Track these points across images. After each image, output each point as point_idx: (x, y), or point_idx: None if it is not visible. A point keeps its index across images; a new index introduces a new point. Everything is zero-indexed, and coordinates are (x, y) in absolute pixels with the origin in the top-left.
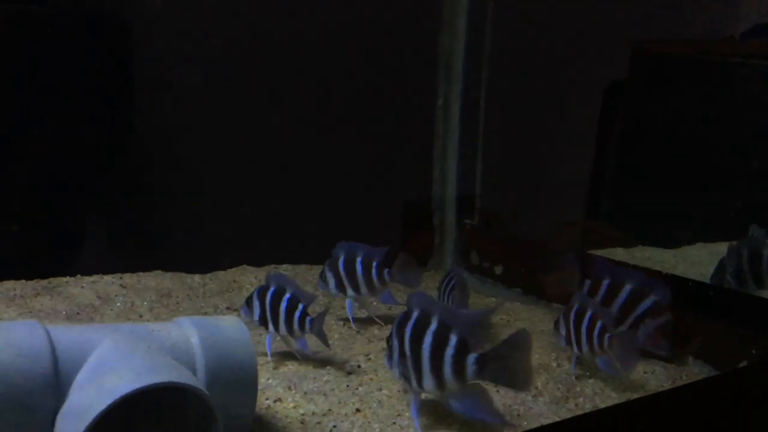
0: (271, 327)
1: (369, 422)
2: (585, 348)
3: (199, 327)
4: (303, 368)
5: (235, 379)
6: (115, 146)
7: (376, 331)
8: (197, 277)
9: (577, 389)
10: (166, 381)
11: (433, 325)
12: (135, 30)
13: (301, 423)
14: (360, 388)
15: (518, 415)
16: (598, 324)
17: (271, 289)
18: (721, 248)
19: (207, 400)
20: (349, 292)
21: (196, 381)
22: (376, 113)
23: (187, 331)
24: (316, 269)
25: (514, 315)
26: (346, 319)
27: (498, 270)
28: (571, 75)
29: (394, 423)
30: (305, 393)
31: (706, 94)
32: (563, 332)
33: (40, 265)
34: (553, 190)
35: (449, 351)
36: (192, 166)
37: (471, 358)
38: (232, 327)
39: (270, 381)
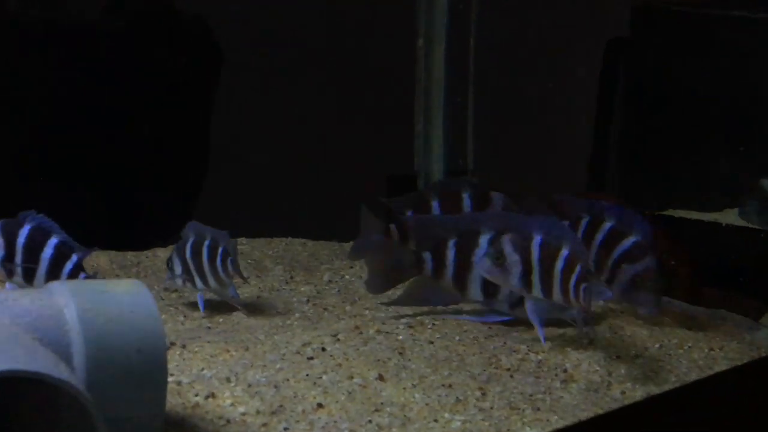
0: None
1: (335, 421)
2: None
3: (79, 294)
4: (250, 354)
5: (132, 368)
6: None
7: (348, 307)
8: (130, 255)
9: (622, 371)
10: (6, 369)
11: None
12: None
13: (240, 424)
14: (324, 377)
15: (538, 410)
16: None
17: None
18: None
19: (80, 397)
20: (198, 284)
21: (64, 369)
22: (343, 56)
23: (60, 300)
24: (276, 242)
25: None
26: (311, 297)
27: None
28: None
29: (370, 422)
30: (249, 385)
31: (717, 49)
32: None
33: None
34: (553, 153)
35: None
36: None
37: None
38: (127, 294)
39: (204, 371)
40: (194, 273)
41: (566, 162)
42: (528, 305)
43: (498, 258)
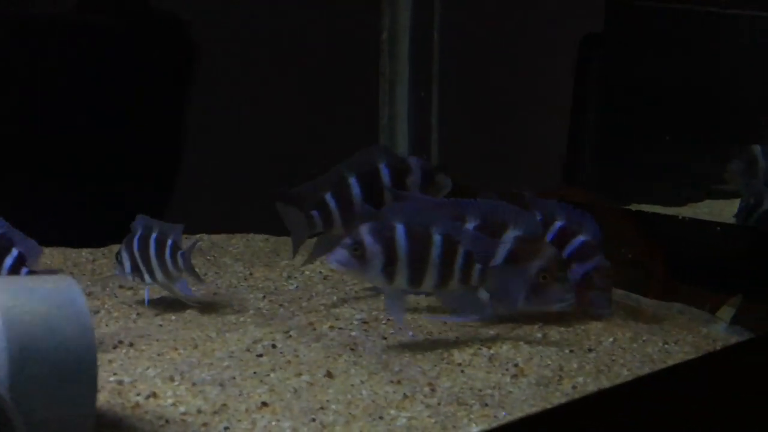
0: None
1: (278, 420)
2: None
3: (4, 291)
4: (198, 352)
5: (59, 367)
6: None
7: (304, 303)
8: (86, 252)
9: (574, 365)
10: None
11: None
12: None
13: (179, 424)
14: (272, 375)
15: (486, 405)
16: None
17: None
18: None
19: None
20: (146, 278)
21: None
22: (307, 51)
23: None
24: (237, 238)
25: None
26: (268, 293)
27: None
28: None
29: (314, 420)
30: (194, 384)
31: (690, 44)
32: None
33: None
34: (522, 148)
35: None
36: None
37: None
38: (56, 291)
39: (149, 370)
40: (142, 267)
41: (535, 157)
42: (386, 296)
43: (356, 249)
